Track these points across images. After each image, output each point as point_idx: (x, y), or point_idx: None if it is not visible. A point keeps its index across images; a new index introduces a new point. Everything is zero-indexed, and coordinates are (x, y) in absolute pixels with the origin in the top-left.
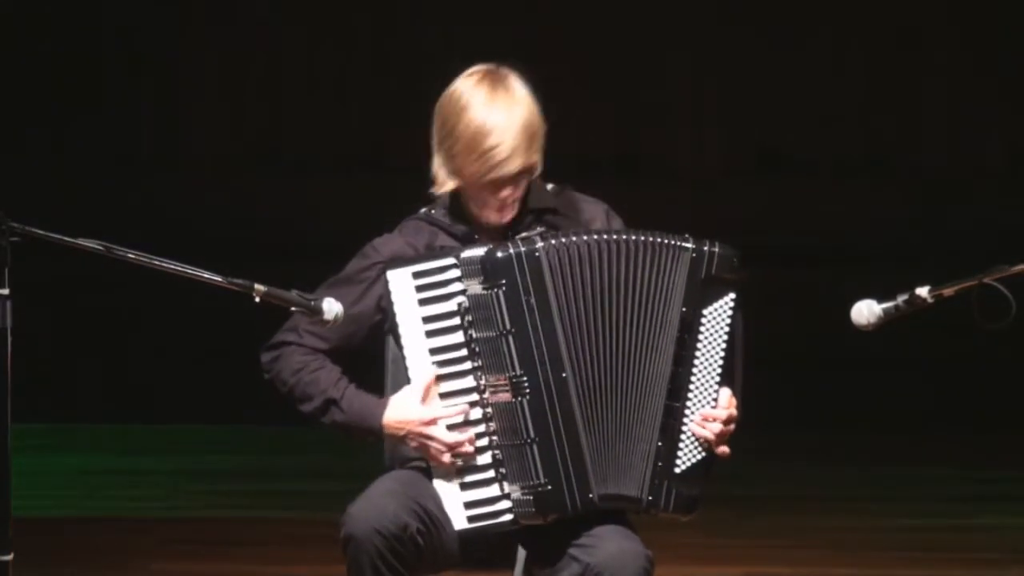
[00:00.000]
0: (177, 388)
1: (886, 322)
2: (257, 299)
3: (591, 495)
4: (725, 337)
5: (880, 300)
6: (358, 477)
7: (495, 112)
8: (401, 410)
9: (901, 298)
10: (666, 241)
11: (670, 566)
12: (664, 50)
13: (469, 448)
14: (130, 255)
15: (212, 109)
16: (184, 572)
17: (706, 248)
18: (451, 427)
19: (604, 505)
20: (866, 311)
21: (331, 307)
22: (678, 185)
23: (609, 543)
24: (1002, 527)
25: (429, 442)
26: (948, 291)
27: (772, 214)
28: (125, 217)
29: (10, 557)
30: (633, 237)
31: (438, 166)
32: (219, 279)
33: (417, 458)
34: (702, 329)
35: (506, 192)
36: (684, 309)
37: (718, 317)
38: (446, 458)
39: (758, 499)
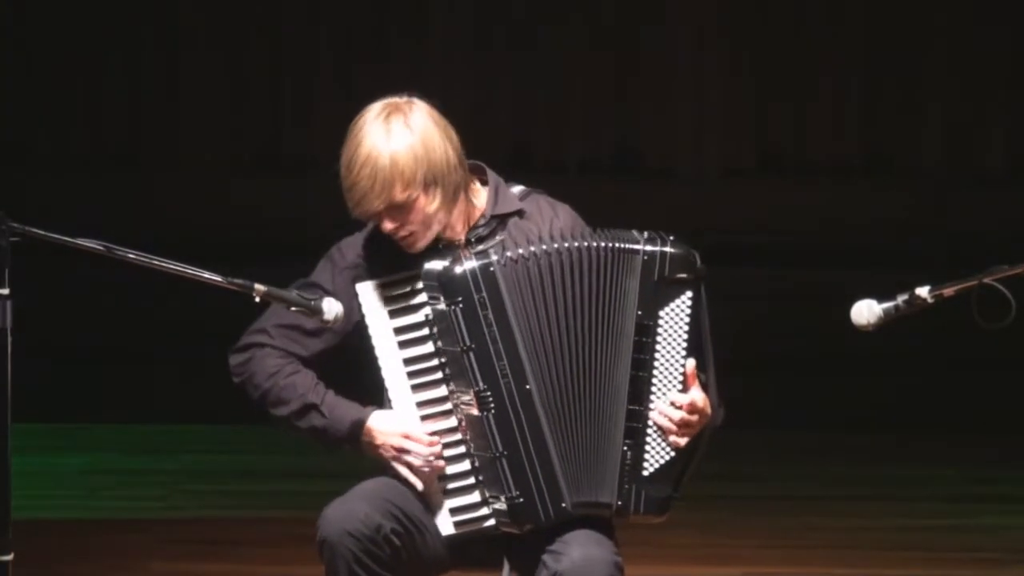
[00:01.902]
0: (177, 388)
1: (886, 322)
2: (257, 299)
3: (564, 504)
4: (685, 336)
5: (880, 300)
6: (357, 477)
7: (360, 152)
8: (383, 420)
9: (901, 298)
10: (617, 246)
11: (670, 566)
12: (664, 50)
13: (442, 464)
14: (130, 255)
15: (212, 109)
16: (184, 572)
17: (658, 249)
18: (429, 443)
19: (578, 512)
20: (866, 311)
21: (331, 307)
22: (678, 185)
23: (577, 549)
24: (1002, 527)
25: (403, 455)
26: (948, 291)
27: (772, 214)
28: (126, 217)
29: (10, 557)
30: (586, 244)
31: None
32: (219, 279)
33: None
34: (659, 331)
35: (387, 226)
36: (639, 312)
37: (675, 318)
38: (420, 469)
39: (758, 499)
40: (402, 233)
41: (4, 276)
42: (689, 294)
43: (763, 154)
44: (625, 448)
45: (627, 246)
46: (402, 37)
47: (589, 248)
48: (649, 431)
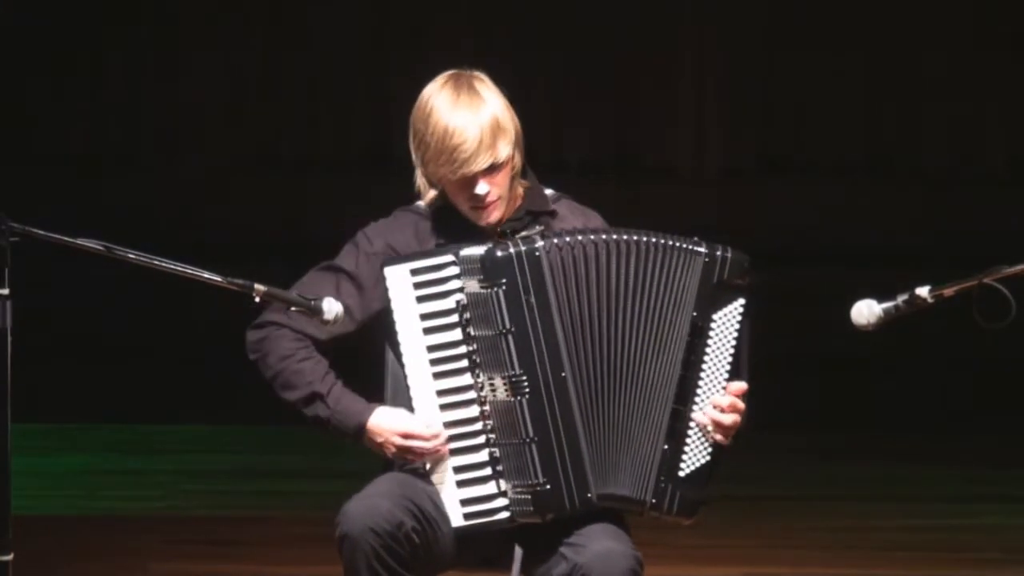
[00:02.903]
0: (176, 388)
1: (886, 322)
2: (257, 299)
3: (589, 495)
4: (733, 342)
5: (880, 300)
6: (358, 477)
7: (458, 112)
8: (384, 419)
9: (901, 298)
10: (678, 244)
11: (670, 566)
12: (665, 50)
13: (447, 451)
14: (130, 255)
15: (212, 109)
16: (184, 572)
17: (719, 253)
18: (432, 435)
19: (603, 505)
20: (866, 311)
21: (331, 307)
22: (678, 185)
23: (597, 543)
24: (1002, 527)
25: (406, 453)
26: (948, 291)
27: (772, 214)
28: (126, 217)
29: (10, 557)
30: (642, 238)
31: (419, 176)
32: (219, 279)
33: None
34: (711, 334)
35: (480, 189)
36: (695, 314)
37: (727, 322)
38: (426, 463)
39: (758, 499)
40: (491, 198)
41: (4, 276)
42: (742, 301)
43: (763, 154)
44: (666, 447)
45: (688, 246)
46: (402, 35)
47: (647, 242)
48: (690, 432)
